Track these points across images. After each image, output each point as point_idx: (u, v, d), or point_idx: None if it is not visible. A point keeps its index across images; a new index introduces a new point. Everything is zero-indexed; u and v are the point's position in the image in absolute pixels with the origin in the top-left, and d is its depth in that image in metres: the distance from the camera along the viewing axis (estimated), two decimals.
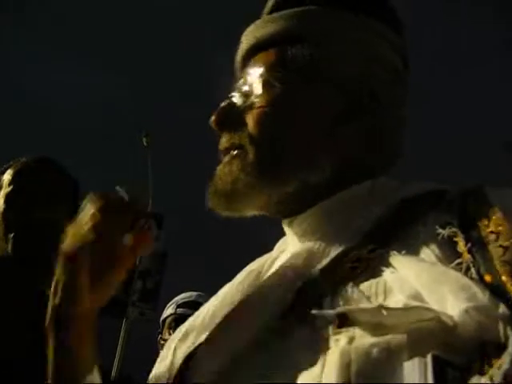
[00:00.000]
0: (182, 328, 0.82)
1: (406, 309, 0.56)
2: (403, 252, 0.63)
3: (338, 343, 0.57)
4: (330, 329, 0.59)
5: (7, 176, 1.61)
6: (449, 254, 0.61)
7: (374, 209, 0.72)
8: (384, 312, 0.56)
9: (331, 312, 0.59)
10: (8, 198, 1.57)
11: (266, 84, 0.77)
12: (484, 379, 0.50)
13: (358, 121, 0.76)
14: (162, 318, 2.92)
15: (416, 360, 0.51)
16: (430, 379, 0.50)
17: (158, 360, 0.81)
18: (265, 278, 0.79)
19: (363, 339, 0.56)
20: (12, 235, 1.52)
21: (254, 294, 0.71)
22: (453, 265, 0.60)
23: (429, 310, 0.55)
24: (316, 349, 0.59)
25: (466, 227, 0.63)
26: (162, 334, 2.88)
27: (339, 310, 0.59)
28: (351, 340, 0.56)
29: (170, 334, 2.76)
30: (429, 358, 0.51)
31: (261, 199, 0.77)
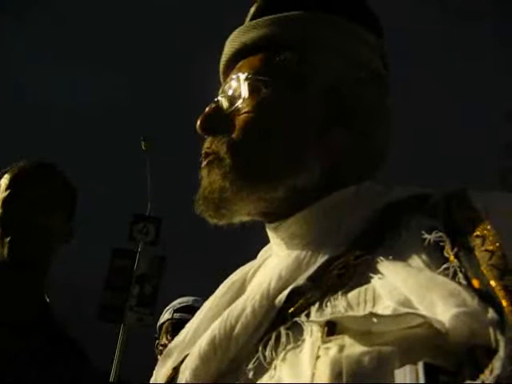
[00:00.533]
0: (169, 345, 0.81)
1: (396, 315, 0.55)
2: (390, 258, 0.62)
3: (328, 352, 0.55)
4: (319, 337, 0.57)
5: (4, 180, 1.61)
6: (435, 258, 0.60)
7: (359, 214, 0.71)
8: (374, 319, 0.54)
9: (320, 320, 0.58)
10: (5, 202, 1.56)
11: (251, 88, 0.76)
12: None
13: (344, 125, 0.76)
14: (159, 324, 2.91)
15: (407, 367, 0.50)
16: None
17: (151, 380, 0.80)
18: (249, 288, 0.78)
19: (353, 348, 0.55)
20: (8, 239, 1.51)
21: (237, 306, 0.68)
22: (440, 270, 0.58)
23: (419, 315, 0.54)
24: (304, 358, 0.58)
25: (451, 232, 0.62)
26: (159, 339, 2.87)
27: (328, 317, 0.58)
28: (341, 349, 0.55)
29: (167, 340, 2.75)
30: (420, 365, 0.50)
31: (249, 205, 0.75)
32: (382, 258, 0.62)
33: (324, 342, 0.56)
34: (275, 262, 0.76)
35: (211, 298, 0.81)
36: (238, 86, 0.77)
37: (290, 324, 0.61)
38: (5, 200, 1.54)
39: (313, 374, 0.55)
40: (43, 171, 1.62)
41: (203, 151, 0.78)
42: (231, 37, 0.83)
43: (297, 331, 0.60)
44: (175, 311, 2.79)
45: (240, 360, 0.64)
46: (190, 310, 2.72)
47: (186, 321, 2.45)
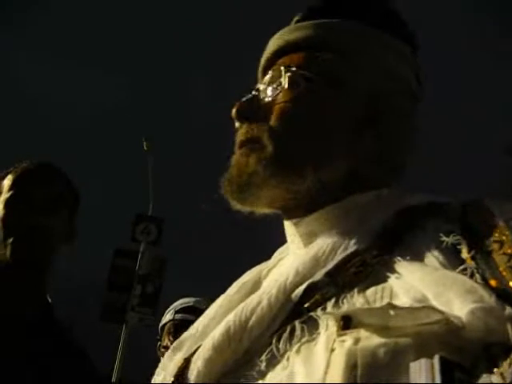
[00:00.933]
0: (179, 339, 0.82)
1: (413, 309, 0.55)
2: (407, 258, 0.63)
3: (343, 344, 0.56)
4: (334, 331, 0.57)
5: (7, 181, 1.61)
6: (453, 260, 0.61)
7: (379, 215, 0.73)
8: (391, 312, 0.55)
9: (337, 312, 0.59)
10: (7, 203, 1.57)
11: (292, 81, 0.79)
12: (494, 379, 0.49)
13: (374, 129, 0.78)
14: (160, 325, 2.90)
15: (423, 361, 0.51)
16: (438, 380, 0.49)
17: (155, 375, 0.81)
18: (264, 284, 0.79)
19: (369, 340, 0.55)
20: (10, 240, 1.52)
21: (253, 300, 0.70)
22: (457, 270, 0.59)
23: (436, 311, 0.54)
24: (319, 350, 0.58)
25: (467, 235, 0.63)
26: (161, 340, 2.87)
27: (344, 311, 0.59)
28: (357, 341, 0.55)
29: (169, 341, 2.74)
30: (436, 358, 0.50)
31: (274, 194, 0.77)
32: (399, 258, 0.63)
33: (339, 335, 0.56)
34: (293, 256, 0.78)
35: (222, 297, 0.83)
36: (279, 78, 0.80)
37: (305, 318, 0.62)
38: (7, 201, 1.54)
39: (327, 366, 0.56)
40: (46, 172, 1.62)
41: (241, 138, 0.80)
42: (276, 35, 0.86)
43: (312, 325, 0.61)
44: (177, 312, 2.79)
45: (253, 352, 0.65)
46: (191, 311, 2.72)
47: (188, 321, 2.47)
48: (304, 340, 0.61)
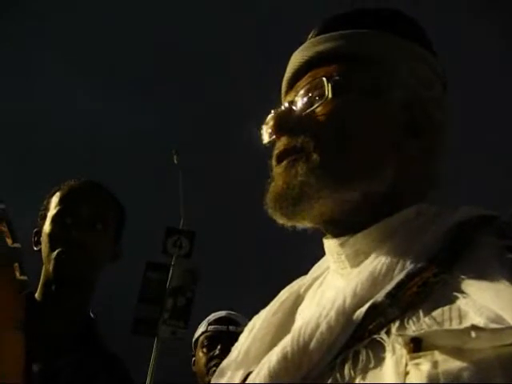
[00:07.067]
0: (220, 366, 0.80)
1: (495, 330, 0.53)
2: (471, 276, 0.62)
3: (420, 367, 0.54)
4: (404, 353, 0.56)
5: (55, 198, 1.64)
6: None
7: (429, 232, 0.71)
8: (473, 334, 0.53)
9: (408, 334, 0.57)
10: (54, 219, 1.59)
11: (335, 92, 0.78)
12: None
13: (417, 139, 0.78)
14: (194, 340, 2.90)
15: None
16: None
17: None
18: (316, 305, 0.77)
19: (449, 363, 0.53)
20: (54, 256, 1.53)
21: (309, 324, 0.66)
22: None
23: None
24: (387, 375, 0.57)
25: None
26: (195, 355, 2.85)
27: (417, 333, 0.57)
28: (435, 364, 0.53)
29: (203, 354, 2.73)
30: None
31: (326, 206, 0.75)
32: (461, 276, 0.62)
33: (412, 358, 0.55)
34: (339, 279, 0.76)
35: (261, 317, 0.82)
36: (317, 89, 0.80)
37: (368, 341, 0.60)
38: (54, 216, 1.57)
39: None
40: (93, 189, 1.65)
41: (281, 148, 0.79)
42: (301, 49, 0.86)
43: (376, 349, 0.59)
44: (209, 324, 2.78)
45: (313, 378, 0.63)
46: (224, 322, 2.71)
47: (221, 332, 2.49)
48: (371, 366, 0.59)
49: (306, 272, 0.90)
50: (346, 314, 0.65)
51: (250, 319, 0.90)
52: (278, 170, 0.79)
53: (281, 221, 0.78)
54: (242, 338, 0.82)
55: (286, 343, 0.66)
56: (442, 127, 0.82)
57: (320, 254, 0.86)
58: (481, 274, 0.61)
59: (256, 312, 0.89)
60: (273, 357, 0.66)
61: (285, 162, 0.78)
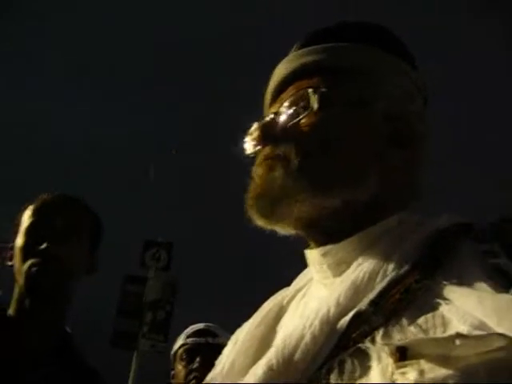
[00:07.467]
0: (205, 380, 0.80)
1: (481, 336, 0.54)
2: (453, 282, 0.62)
3: (407, 376, 0.54)
4: (390, 362, 0.56)
5: (28, 211, 1.62)
6: (501, 282, 0.60)
7: (410, 240, 0.72)
8: (457, 341, 0.53)
9: (394, 343, 0.57)
10: (26, 232, 1.57)
11: (321, 103, 0.79)
12: None
13: (400, 150, 0.79)
14: (172, 352, 2.87)
15: None
16: None
17: None
18: (299, 317, 0.77)
19: (435, 371, 0.54)
20: (25, 268, 1.51)
21: (292, 335, 0.66)
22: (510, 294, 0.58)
23: (502, 337, 0.53)
24: (375, 382, 0.57)
25: (510, 256, 0.62)
26: (174, 369, 2.83)
27: (403, 342, 0.57)
28: (422, 373, 0.54)
29: (182, 367, 2.71)
30: None
31: (304, 209, 0.76)
32: (444, 282, 0.62)
33: (398, 367, 0.55)
34: (323, 290, 0.77)
35: (244, 330, 0.82)
36: (303, 101, 0.81)
37: (352, 350, 0.61)
38: (26, 229, 1.55)
39: None
40: (65, 202, 1.63)
41: (264, 154, 0.81)
42: (286, 60, 0.87)
43: (361, 357, 0.60)
44: (188, 336, 2.77)
45: None
46: (203, 334, 2.70)
47: (200, 344, 2.48)
48: (357, 375, 0.59)
49: (288, 284, 0.91)
50: (330, 324, 0.65)
51: (230, 332, 0.90)
52: (258, 171, 0.80)
53: (260, 222, 0.78)
54: (226, 351, 0.82)
55: (270, 355, 0.66)
56: (423, 139, 0.83)
57: (302, 267, 0.87)
58: (463, 280, 0.62)
59: (237, 325, 0.89)
60: (258, 370, 0.66)
61: (265, 164, 0.80)
